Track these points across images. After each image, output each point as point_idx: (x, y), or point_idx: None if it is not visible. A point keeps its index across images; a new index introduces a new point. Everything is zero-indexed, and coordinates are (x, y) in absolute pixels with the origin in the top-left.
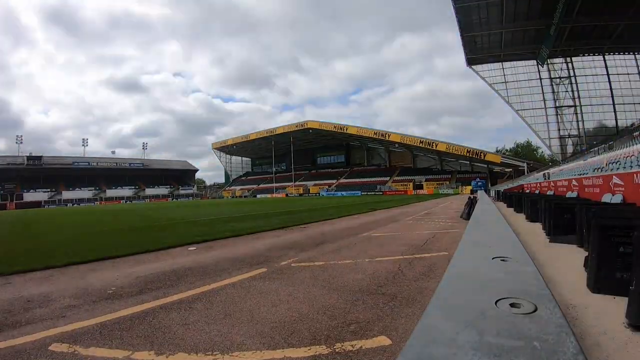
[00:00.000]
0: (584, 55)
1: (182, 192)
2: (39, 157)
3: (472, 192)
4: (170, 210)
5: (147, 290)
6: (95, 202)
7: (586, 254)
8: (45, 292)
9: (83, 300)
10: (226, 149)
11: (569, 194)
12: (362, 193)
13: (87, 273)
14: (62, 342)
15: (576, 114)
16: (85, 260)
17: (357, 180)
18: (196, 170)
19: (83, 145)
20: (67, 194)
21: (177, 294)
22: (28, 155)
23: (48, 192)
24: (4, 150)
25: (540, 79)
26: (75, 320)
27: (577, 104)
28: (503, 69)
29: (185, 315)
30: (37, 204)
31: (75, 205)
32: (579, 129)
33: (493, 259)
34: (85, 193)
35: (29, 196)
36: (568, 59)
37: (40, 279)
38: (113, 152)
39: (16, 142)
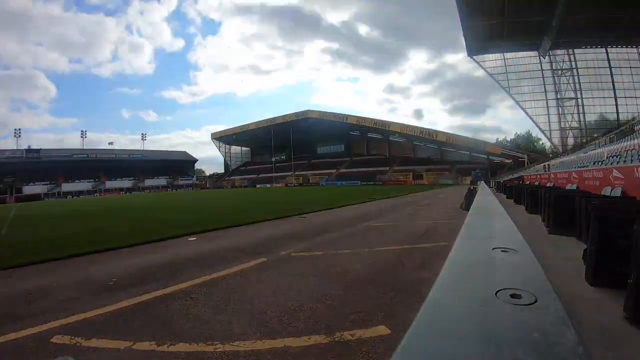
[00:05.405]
0: (586, 47)
1: (181, 182)
2: (37, 150)
3: (472, 182)
4: None
5: (147, 281)
6: (95, 194)
7: (585, 246)
8: (46, 284)
9: (84, 292)
10: (225, 138)
11: (568, 187)
12: (362, 183)
13: (88, 265)
14: (63, 334)
15: (577, 106)
16: (86, 252)
17: (356, 170)
18: (195, 161)
19: (82, 137)
20: (66, 187)
21: (177, 285)
22: (27, 148)
23: (47, 184)
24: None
25: (542, 70)
26: (77, 312)
27: (579, 96)
28: (504, 59)
29: (185, 306)
30: (36, 197)
31: (75, 197)
32: (580, 121)
33: (493, 249)
34: (85, 185)
35: (29, 189)
36: (570, 51)
37: (41, 271)
38: (111, 144)
39: (14, 136)
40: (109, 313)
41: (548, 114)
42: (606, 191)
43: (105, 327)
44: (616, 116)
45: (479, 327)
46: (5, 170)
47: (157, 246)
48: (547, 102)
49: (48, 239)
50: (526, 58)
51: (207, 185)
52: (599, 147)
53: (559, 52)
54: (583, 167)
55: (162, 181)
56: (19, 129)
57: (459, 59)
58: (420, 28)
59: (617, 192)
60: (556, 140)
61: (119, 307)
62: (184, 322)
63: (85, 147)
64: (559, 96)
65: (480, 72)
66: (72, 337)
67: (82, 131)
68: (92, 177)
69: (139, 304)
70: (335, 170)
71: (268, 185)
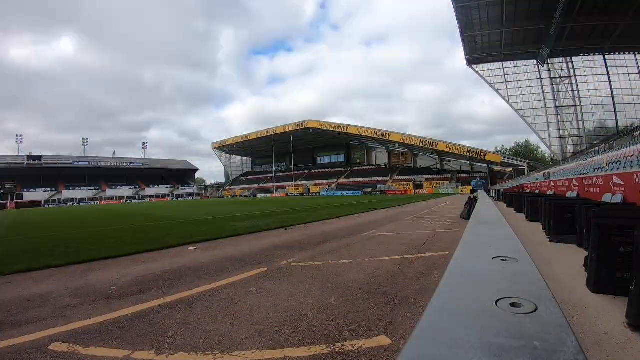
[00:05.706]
0: (584, 55)
1: (182, 191)
2: (39, 157)
3: (472, 191)
4: None
5: (147, 290)
6: (96, 202)
7: (586, 253)
8: (44, 291)
9: (83, 300)
10: (226, 148)
11: (569, 194)
12: (362, 193)
13: (86, 273)
14: (62, 342)
15: (576, 113)
16: (84, 260)
17: (357, 180)
18: (196, 170)
19: (83, 144)
20: (67, 194)
21: (177, 294)
22: (28, 154)
23: (48, 191)
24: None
25: (541, 78)
26: (75, 320)
27: (578, 103)
28: (503, 68)
29: (185, 315)
30: (37, 204)
31: (76, 204)
32: (579, 128)
33: (493, 258)
34: (85, 192)
35: (29, 195)
36: (568, 59)
37: (39, 278)
38: (114, 153)
39: (16, 142)
40: (108, 321)
41: (547, 122)
42: (606, 198)
43: (104, 335)
44: (615, 123)
45: (480, 336)
46: (6, 176)
47: (157, 255)
48: (546, 110)
49: (48, 247)
50: (525, 67)
51: (208, 195)
52: (599, 154)
53: (557, 60)
54: (583, 174)
55: (163, 190)
56: (21, 135)
57: None
58: None
59: (618, 199)
60: (556, 148)
61: (118, 316)
62: (183, 331)
63: (86, 155)
64: (557, 104)
65: None
66: (70, 345)
67: (83, 138)
68: (93, 185)
69: (138, 312)
70: (335, 180)
71: (269, 195)
